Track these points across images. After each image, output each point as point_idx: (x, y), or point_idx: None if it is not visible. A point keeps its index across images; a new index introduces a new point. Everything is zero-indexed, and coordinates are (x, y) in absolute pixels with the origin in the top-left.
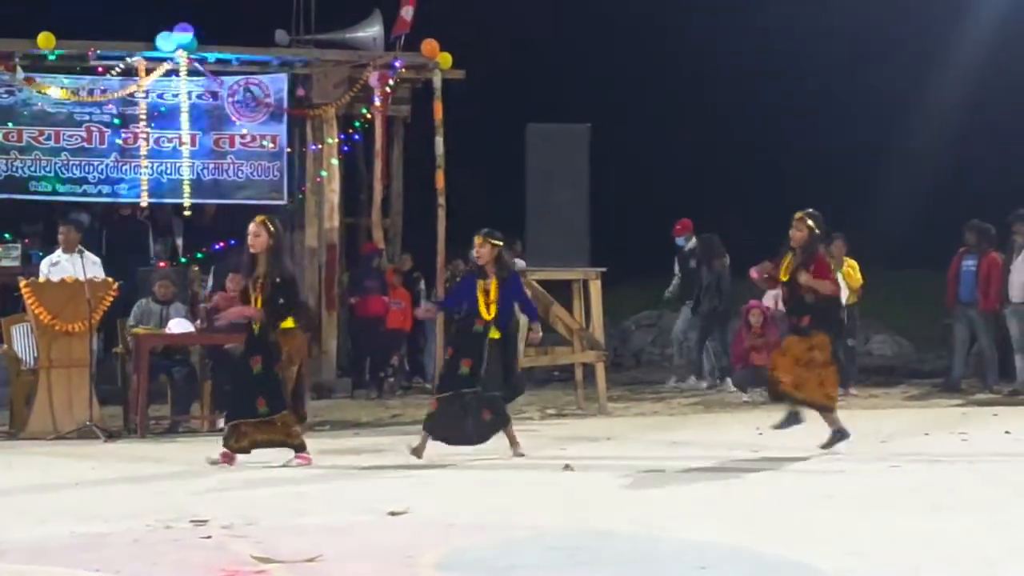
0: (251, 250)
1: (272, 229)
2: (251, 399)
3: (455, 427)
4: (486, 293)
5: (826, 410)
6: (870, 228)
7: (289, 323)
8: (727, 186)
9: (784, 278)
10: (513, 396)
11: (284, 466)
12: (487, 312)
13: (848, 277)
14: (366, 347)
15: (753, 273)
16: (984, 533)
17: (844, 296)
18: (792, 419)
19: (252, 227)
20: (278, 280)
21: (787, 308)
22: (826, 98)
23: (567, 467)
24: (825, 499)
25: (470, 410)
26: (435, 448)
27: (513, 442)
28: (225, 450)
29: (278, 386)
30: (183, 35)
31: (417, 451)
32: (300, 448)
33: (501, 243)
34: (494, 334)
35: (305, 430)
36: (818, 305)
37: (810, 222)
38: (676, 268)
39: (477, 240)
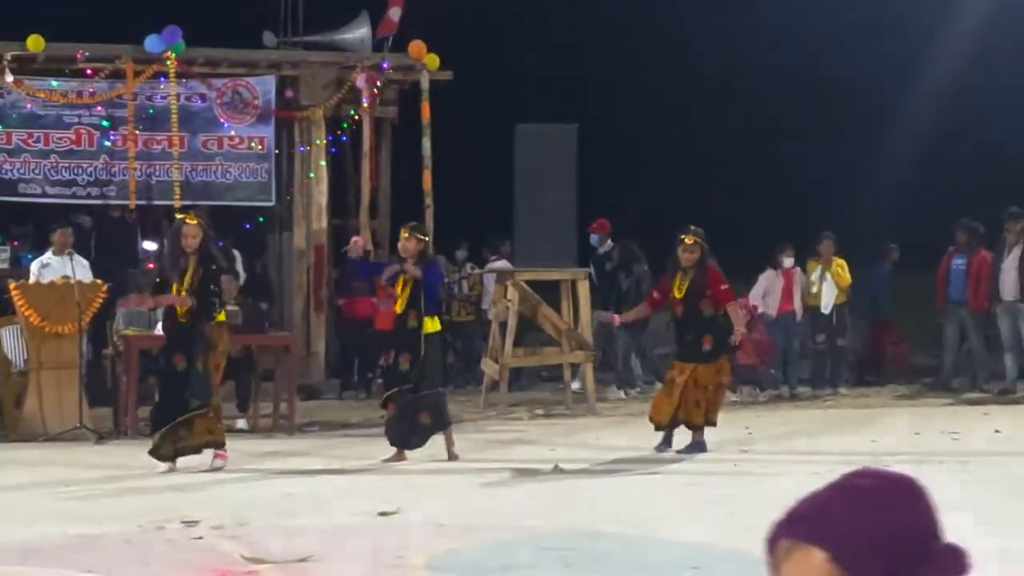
0: (187, 250)
1: (205, 225)
2: (180, 397)
3: (403, 428)
4: (404, 284)
5: (707, 426)
6: (859, 227)
7: (223, 316)
8: (717, 186)
9: (679, 295)
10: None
11: (209, 470)
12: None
13: (836, 276)
14: (354, 348)
15: (616, 320)
16: (974, 533)
17: (833, 296)
18: (696, 447)
19: (189, 229)
20: (213, 268)
21: (680, 324)
22: (815, 98)
23: (557, 468)
24: None
25: (408, 410)
26: (424, 450)
27: (450, 443)
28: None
29: (207, 378)
30: (172, 39)
31: (397, 458)
32: (219, 445)
33: (427, 238)
34: (431, 327)
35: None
36: (716, 321)
37: (700, 241)
38: (591, 272)
39: (403, 234)
